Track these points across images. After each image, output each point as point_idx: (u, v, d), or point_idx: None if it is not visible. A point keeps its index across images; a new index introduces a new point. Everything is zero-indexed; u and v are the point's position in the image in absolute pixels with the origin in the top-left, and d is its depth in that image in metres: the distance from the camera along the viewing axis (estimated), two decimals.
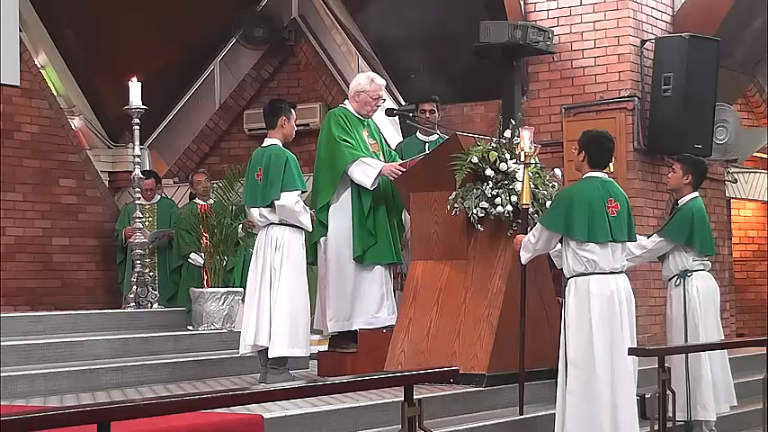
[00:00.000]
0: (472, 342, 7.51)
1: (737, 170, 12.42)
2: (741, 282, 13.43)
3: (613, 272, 6.77)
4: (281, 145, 7.75)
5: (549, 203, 7.47)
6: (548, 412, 7.10)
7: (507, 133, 7.68)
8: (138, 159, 10.43)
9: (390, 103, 10.58)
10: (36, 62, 11.82)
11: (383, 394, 6.78)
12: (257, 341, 7.59)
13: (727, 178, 12.15)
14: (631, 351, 6.66)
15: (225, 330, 9.13)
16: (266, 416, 5.95)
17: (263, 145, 7.85)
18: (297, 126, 8.02)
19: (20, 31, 10.12)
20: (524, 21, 10.53)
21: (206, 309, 9.14)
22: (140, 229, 10.45)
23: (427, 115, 9.03)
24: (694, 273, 8.00)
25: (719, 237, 11.12)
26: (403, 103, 11.23)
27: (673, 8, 11.05)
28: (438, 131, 8.93)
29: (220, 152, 13.22)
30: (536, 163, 7.67)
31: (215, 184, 10.26)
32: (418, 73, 10.99)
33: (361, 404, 6.64)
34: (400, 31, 11.05)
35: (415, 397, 5.08)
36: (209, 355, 8.59)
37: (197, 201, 11.01)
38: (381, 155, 8.27)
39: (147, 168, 11.91)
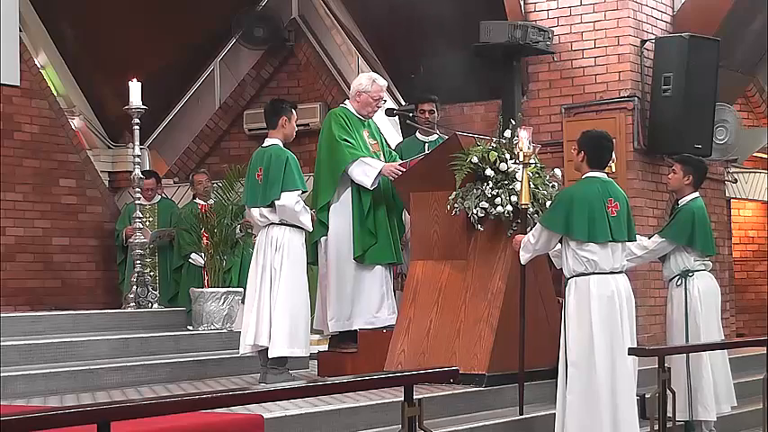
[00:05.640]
0: (472, 342, 7.51)
1: (737, 170, 12.42)
2: (741, 282, 13.43)
3: (613, 272, 6.77)
4: (281, 145, 7.75)
5: (548, 203, 7.46)
6: (548, 412, 7.10)
7: (507, 133, 7.68)
8: (138, 159, 10.43)
9: (390, 103, 10.58)
10: (36, 62, 11.82)
11: (383, 394, 6.78)
12: (257, 341, 7.59)
13: (727, 178, 12.15)
14: (631, 351, 6.66)
15: (225, 330, 9.13)
16: (266, 416, 5.95)
17: (263, 145, 7.85)
18: (297, 126, 8.02)
19: (20, 31, 10.12)
20: (524, 21, 10.53)
21: (206, 309, 9.14)
22: (141, 229, 10.46)
23: (427, 115, 9.02)
24: (695, 273, 8.00)
25: (719, 237, 11.12)
26: (403, 103, 11.23)
27: (673, 8, 11.05)
28: (438, 131, 8.92)
29: (220, 152, 13.22)
30: (535, 163, 7.67)
31: (215, 184, 10.26)
32: (418, 73, 10.99)
33: (361, 404, 6.64)
34: (400, 31, 11.05)
35: (415, 397, 5.08)
36: (209, 355, 8.59)
37: (197, 201, 11.01)
38: (382, 155, 8.27)
39: (147, 168, 11.91)
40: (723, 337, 8.46)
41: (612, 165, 7.02)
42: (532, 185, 7.53)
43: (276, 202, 7.59)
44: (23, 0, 10.97)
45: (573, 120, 10.58)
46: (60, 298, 11.32)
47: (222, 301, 9.18)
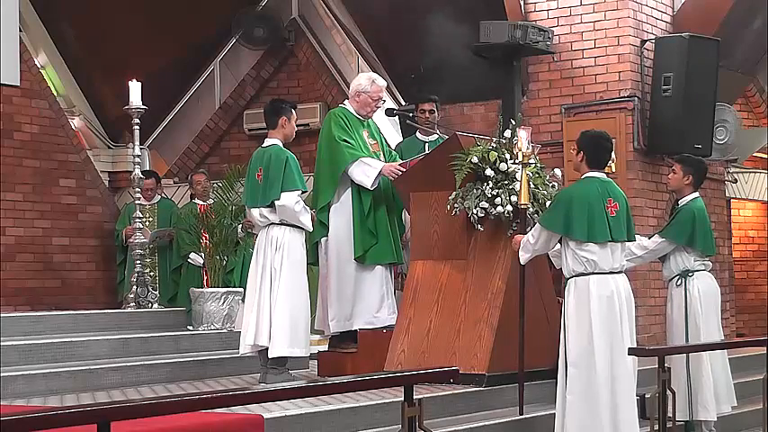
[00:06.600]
0: (472, 342, 7.50)
1: (737, 170, 12.42)
2: (741, 282, 13.43)
3: (613, 272, 6.77)
4: (281, 145, 7.75)
5: (548, 203, 7.47)
6: (548, 412, 7.10)
7: (507, 133, 7.68)
8: (138, 159, 10.43)
9: (390, 103, 10.59)
10: (36, 62, 11.83)
11: (383, 394, 6.78)
12: (257, 341, 7.59)
13: (727, 178, 12.15)
14: (631, 351, 6.66)
15: (225, 330, 9.13)
16: (266, 416, 5.95)
17: (263, 145, 7.85)
18: (297, 126, 8.02)
19: (20, 31, 10.11)
20: (524, 21, 10.53)
21: (206, 309, 9.14)
22: (140, 229, 10.46)
23: (427, 115, 9.03)
24: (695, 273, 8.00)
25: (719, 237, 11.12)
26: (403, 103, 11.23)
27: (673, 8, 11.06)
28: (438, 131, 8.92)
29: (220, 152, 13.22)
30: (535, 163, 7.66)
31: (215, 184, 10.27)
32: (418, 73, 10.99)
33: (361, 404, 6.64)
34: (400, 31, 11.05)
35: (415, 397, 5.08)
36: (209, 355, 8.59)
37: (196, 201, 11.01)
38: (381, 155, 8.27)
39: (147, 168, 11.91)
40: (723, 337, 8.47)
41: (612, 165, 7.02)
42: (532, 185, 7.53)
43: (276, 203, 7.59)
44: (23, 0, 10.96)
45: (573, 120, 10.58)
46: (60, 298, 11.32)
47: (222, 301, 9.18)
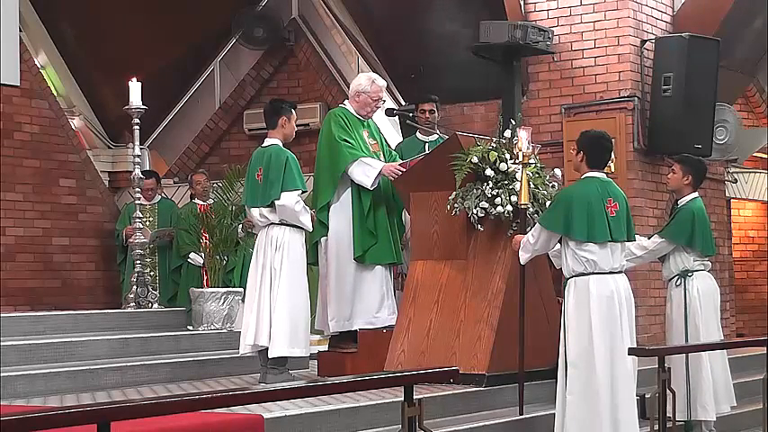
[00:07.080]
0: (472, 342, 7.51)
1: (737, 170, 12.43)
2: (741, 282, 13.44)
3: (613, 272, 6.77)
4: (281, 145, 7.76)
5: (548, 203, 7.47)
6: (548, 412, 7.10)
7: (507, 133, 7.68)
8: (138, 159, 10.44)
9: (390, 103, 10.58)
10: (36, 62, 11.83)
11: (383, 394, 6.78)
12: (257, 341, 7.60)
13: (727, 178, 12.15)
14: (631, 351, 6.67)
15: (225, 330, 9.13)
16: (266, 416, 5.96)
17: (263, 145, 7.85)
18: (297, 126, 8.02)
19: (20, 31, 10.11)
20: (524, 21, 10.53)
21: (206, 309, 9.14)
22: (141, 229, 10.46)
23: (427, 115, 9.03)
24: (695, 273, 8.00)
25: (719, 237, 11.13)
26: (403, 103, 11.23)
27: (673, 8, 11.06)
28: (438, 131, 8.93)
29: (220, 152, 13.22)
30: (535, 163, 7.67)
31: (215, 184, 10.27)
32: (418, 73, 10.99)
33: (361, 404, 6.64)
34: (400, 31, 11.05)
35: (415, 397, 5.08)
36: (209, 355, 8.59)
37: (196, 201, 11.01)
38: (381, 155, 8.27)
39: (147, 168, 11.92)
40: (722, 337, 8.47)
41: (612, 165, 7.02)
42: (532, 185, 7.53)
43: (276, 202, 7.60)
44: (23, 0, 10.96)
45: (573, 120, 10.58)
46: (60, 298, 11.32)
47: (222, 301, 9.18)
